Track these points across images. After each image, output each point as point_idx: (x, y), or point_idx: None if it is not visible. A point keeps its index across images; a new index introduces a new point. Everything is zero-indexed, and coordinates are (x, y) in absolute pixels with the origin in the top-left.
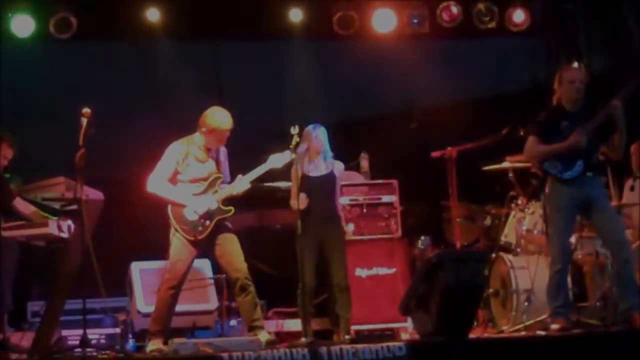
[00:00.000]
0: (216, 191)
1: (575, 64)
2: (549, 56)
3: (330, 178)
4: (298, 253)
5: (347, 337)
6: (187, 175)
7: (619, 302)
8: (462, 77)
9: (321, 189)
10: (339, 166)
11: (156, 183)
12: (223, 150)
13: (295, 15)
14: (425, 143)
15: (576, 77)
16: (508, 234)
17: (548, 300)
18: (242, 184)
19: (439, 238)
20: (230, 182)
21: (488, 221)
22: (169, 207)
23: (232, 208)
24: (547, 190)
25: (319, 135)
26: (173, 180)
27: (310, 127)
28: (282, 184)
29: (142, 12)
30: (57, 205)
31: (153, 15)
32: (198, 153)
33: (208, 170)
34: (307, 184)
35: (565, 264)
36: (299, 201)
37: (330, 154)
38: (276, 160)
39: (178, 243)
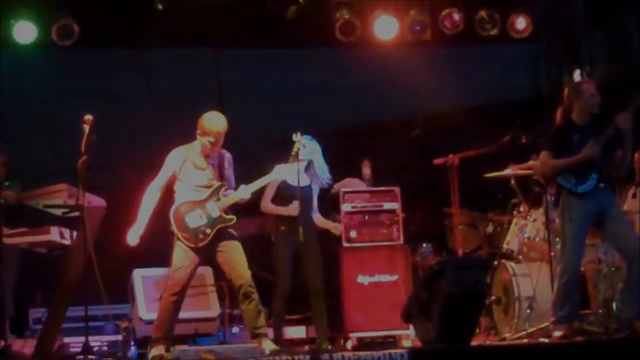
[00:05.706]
0: (219, 199)
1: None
2: (551, 63)
3: (311, 189)
4: (275, 259)
5: (329, 346)
6: (186, 181)
7: (622, 309)
8: (464, 84)
9: (303, 199)
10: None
11: (147, 193)
12: (227, 157)
13: (297, 22)
14: (427, 150)
15: (595, 91)
16: (510, 242)
17: (553, 309)
18: (245, 193)
19: (441, 245)
20: (234, 189)
21: (490, 228)
22: (171, 214)
23: (234, 217)
24: (560, 203)
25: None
26: (172, 186)
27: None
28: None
29: (143, 19)
30: (59, 212)
31: (154, 22)
32: (197, 160)
33: (207, 177)
34: (291, 192)
35: (574, 274)
36: (292, 207)
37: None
38: (281, 171)
39: (180, 250)
